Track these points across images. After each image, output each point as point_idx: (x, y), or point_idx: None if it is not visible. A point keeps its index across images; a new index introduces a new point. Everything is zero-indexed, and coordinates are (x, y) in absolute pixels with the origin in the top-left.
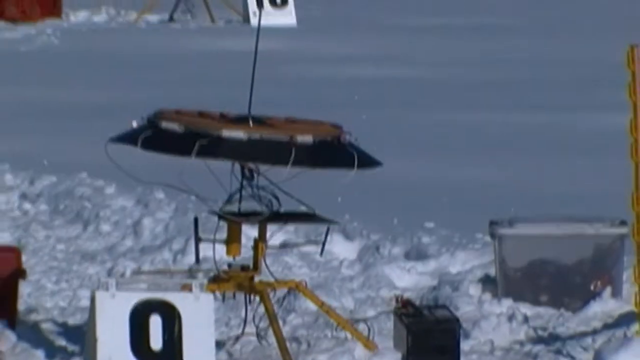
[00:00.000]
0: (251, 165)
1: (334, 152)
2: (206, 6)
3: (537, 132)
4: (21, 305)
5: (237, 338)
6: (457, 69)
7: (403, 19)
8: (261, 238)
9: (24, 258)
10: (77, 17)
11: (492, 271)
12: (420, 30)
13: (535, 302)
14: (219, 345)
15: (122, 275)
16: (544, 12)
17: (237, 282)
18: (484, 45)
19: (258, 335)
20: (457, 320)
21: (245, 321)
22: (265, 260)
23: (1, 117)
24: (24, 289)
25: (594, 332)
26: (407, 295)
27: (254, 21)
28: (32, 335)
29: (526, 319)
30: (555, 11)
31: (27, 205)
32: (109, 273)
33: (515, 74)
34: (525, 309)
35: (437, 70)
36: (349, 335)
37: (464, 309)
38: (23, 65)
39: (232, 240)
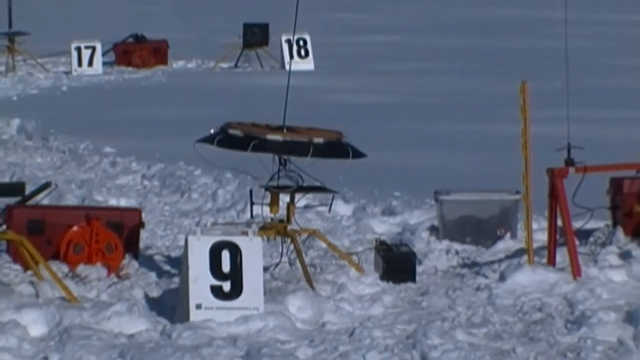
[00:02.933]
0: (285, 156)
1: (337, 148)
2: (257, 58)
3: (466, 136)
4: (141, 244)
5: (276, 265)
6: (427, 98)
7: (390, 64)
8: (291, 202)
9: (143, 215)
10: (177, 64)
11: (436, 222)
12: (402, 71)
13: (463, 242)
14: (265, 269)
15: (205, 225)
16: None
17: (277, 229)
18: (420, 81)
19: (289, 263)
20: (414, 253)
21: (281, 254)
22: (294, 216)
23: (133, 126)
24: (143, 234)
25: (499, 261)
26: (382, 237)
27: (287, 67)
28: (148, 263)
29: (457, 252)
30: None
31: (145, 182)
32: (197, 224)
33: (448, 100)
34: (457, 246)
35: (409, 98)
36: (346, 263)
37: (418, 246)
38: (143, 95)
39: (273, 203)
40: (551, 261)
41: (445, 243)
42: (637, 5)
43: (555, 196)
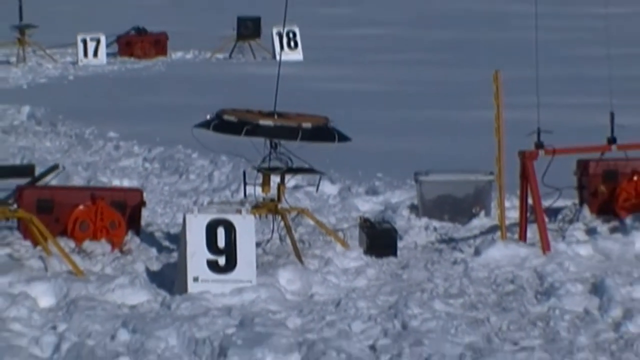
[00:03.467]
0: (275, 140)
1: (323, 132)
2: (250, 49)
3: (444, 122)
4: (143, 222)
5: (268, 241)
6: (407, 86)
7: (373, 55)
8: (282, 182)
9: (144, 195)
10: (176, 55)
11: (416, 201)
12: (384, 62)
13: (441, 219)
14: (257, 244)
15: (202, 204)
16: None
17: (268, 208)
18: (401, 71)
19: (280, 239)
20: (395, 230)
21: (272, 231)
22: (284, 196)
23: (135, 112)
24: (145, 212)
25: (474, 237)
26: (366, 215)
27: (277, 58)
28: (149, 239)
29: (435, 229)
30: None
31: (147, 165)
32: (194, 203)
33: (427, 88)
34: (435, 223)
35: (391, 86)
36: (332, 239)
37: (399, 223)
38: (144, 84)
39: (265, 184)
40: (522, 237)
41: (424, 220)
42: None
43: (526, 177)
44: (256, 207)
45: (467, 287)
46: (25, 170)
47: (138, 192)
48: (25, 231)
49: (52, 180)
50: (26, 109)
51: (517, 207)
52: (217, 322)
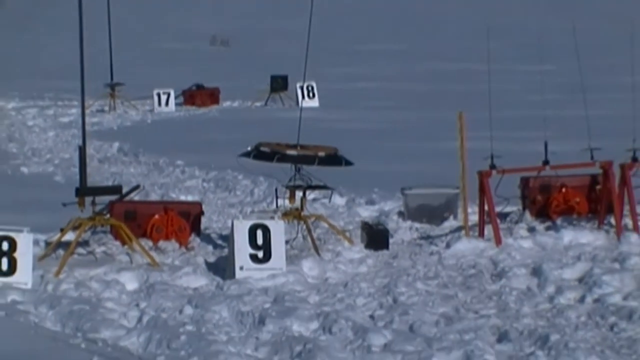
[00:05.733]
0: (298, 165)
1: (334, 159)
2: (280, 99)
3: (423, 151)
4: (202, 226)
5: (294, 239)
6: (395, 124)
7: (373, 102)
8: (304, 196)
9: (203, 207)
10: (226, 104)
11: (402, 209)
12: (381, 107)
13: (421, 222)
14: (286, 242)
15: (245, 213)
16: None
17: (294, 215)
18: (393, 113)
19: (303, 237)
20: (387, 230)
21: (297, 232)
22: (306, 206)
23: (196, 146)
24: (203, 220)
25: (446, 235)
26: (366, 219)
27: (300, 105)
28: (207, 239)
29: (417, 229)
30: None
31: (204, 184)
32: (240, 212)
33: (411, 126)
34: (417, 225)
35: (383, 125)
36: (341, 237)
37: (390, 225)
38: (202, 125)
39: (291, 197)
40: (481, 234)
41: (408, 223)
42: (544, 57)
43: (483, 190)
44: (285, 215)
45: (441, 271)
46: (115, 189)
47: (198, 204)
48: (116, 234)
49: (135, 196)
50: (116, 145)
51: (477, 213)
52: (257, 299)
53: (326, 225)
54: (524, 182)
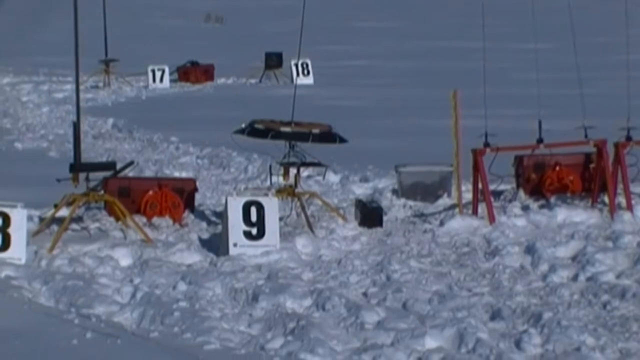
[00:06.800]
0: (293, 142)
1: (328, 136)
2: (275, 76)
3: (417, 128)
4: (196, 203)
5: (288, 216)
6: (389, 102)
7: (366, 80)
8: (298, 173)
9: (197, 183)
10: (220, 81)
11: (396, 186)
12: (374, 85)
13: (415, 199)
14: (280, 219)
15: (239, 190)
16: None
17: (288, 192)
18: (386, 91)
19: (296, 215)
20: (381, 207)
21: (291, 209)
22: (299, 183)
23: (190, 122)
24: (197, 196)
25: (439, 212)
26: (360, 197)
27: (294, 82)
28: (201, 216)
29: (410, 207)
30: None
31: (199, 161)
32: (233, 189)
33: (406, 103)
34: (411, 202)
35: (377, 102)
36: (335, 215)
37: (384, 203)
38: (197, 102)
39: (285, 174)
40: (474, 212)
41: (402, 200)
42: (539, 36)
43: (477, 168)
44: (279, 192)
45: (434, 249)
46: (109, 165)
47: (192, 181)
48: (110, 210)
49: (129, 172)
50: (110, 121)
51: (471, 191)
52: (250, 276)
53: (320, 203)
54: (518, 160)
